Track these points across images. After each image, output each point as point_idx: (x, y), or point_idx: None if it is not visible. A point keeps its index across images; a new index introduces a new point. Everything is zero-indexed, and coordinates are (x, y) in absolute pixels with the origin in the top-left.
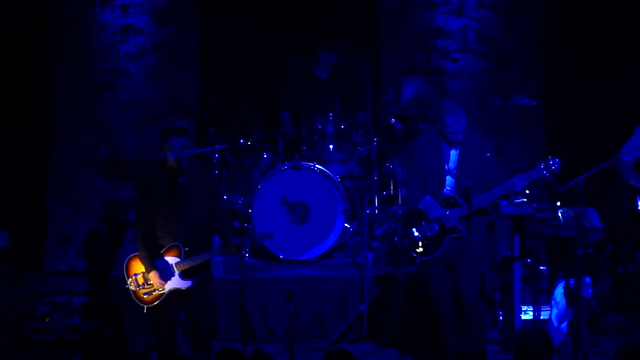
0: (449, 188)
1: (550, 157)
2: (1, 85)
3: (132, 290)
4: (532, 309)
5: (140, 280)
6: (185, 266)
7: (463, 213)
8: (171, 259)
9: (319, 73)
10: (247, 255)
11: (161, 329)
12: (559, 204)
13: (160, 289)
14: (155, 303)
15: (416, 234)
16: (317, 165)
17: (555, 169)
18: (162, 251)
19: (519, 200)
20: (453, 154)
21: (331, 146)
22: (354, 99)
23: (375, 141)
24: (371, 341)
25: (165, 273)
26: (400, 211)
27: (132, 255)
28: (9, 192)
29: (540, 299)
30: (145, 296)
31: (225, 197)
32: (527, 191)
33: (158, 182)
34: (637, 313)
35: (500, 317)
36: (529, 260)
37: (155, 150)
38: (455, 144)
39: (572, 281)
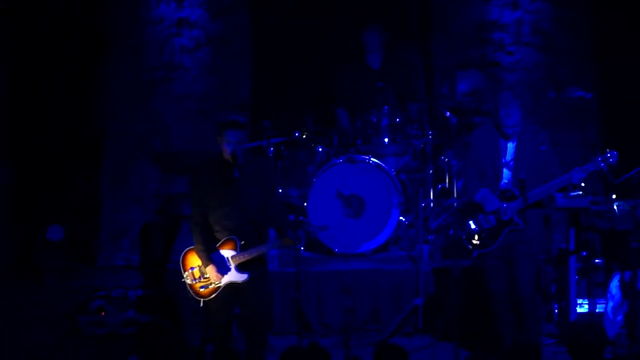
0: (506, 181)
1: (608, 149)
2: (56, 77)
3: (189, 284)
4: (587, 302)
5: (197, 273)
6: (241, 259)
7: (520, 206)
8: (227, 252)
9: (371, 63)
10: (302, 248)
11: (217, 322)
12: (614, 196)
13: (217, 283)
14: (212, 297)
15: (473, 226)
16: (372, 159)
17: (613, 162)
18: (218, 244)
19: (575, 193)
20: (510, 146)
21: (386, 139)
22: (407, 91)
23: (430, 134)
24: (427, 335)
25: (222, 266)
26: (455, 204)
27: (188, 249)
28: (63, 186)
29: (595, 292)
30: (201, 290)
31: (280, 190)
32: (583, 184)
33: (213, 176)
34: None
35: (556, 311)
36: (584, 253)
37: (208, 144)
38: (510, 137)
39: (627, 274)
